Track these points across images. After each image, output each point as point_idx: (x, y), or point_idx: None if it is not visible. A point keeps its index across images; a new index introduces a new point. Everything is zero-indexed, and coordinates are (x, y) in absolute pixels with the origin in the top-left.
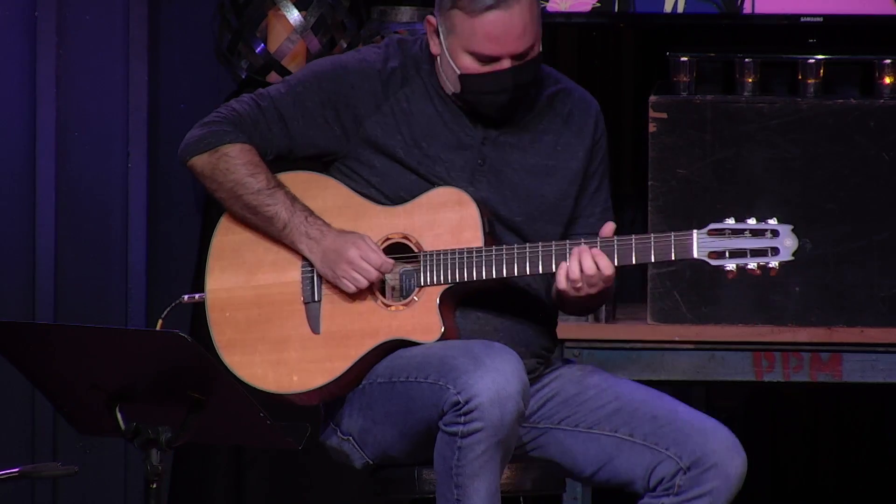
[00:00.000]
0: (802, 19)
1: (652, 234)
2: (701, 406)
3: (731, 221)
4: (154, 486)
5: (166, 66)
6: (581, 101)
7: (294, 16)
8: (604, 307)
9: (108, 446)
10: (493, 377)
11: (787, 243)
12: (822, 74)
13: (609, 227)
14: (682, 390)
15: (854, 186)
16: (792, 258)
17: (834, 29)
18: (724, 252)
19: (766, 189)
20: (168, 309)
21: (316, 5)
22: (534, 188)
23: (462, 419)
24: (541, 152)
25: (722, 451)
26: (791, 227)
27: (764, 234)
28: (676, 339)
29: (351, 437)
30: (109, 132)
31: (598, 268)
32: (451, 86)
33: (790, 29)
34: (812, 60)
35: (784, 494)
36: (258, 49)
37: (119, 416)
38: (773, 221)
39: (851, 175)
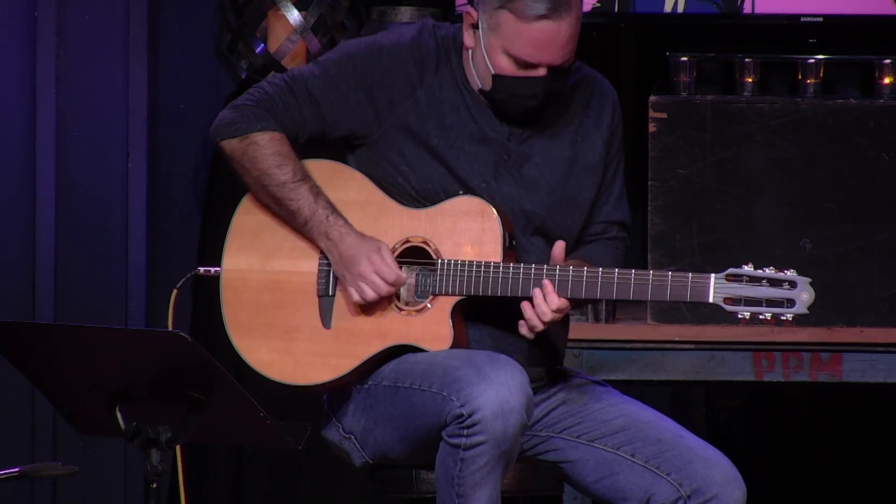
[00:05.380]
0: (802, 19)
1: (670, 273)
2: (701, 406)
3: (749, 268)
4: (154, 486)
5: (166, 66)
6: (600, 89)
7: (294, 16)
8: (603, 307)
9: (108, 446)
10: (497, 390)
11: (804, 297)
12: (822, 74)
13: (559, 248)
14: (682, 390)
15: (854, 186)
16: (807, 312)
17: (834, 29)
18: (741, 299)
19: (766, 189)
20: (183, 280)
21: (316, 5)
22: (555, 182)
23: (465, 432)
24: (561, 144)
25: (723, 482)
26: (809, 280)
27: (781, 285)
28: (676, 339)
29: (353, 436)
30: (109, 132)
31: (551, 310)
32: (479, 82)
33: (790, 29)
34: (812, 60)
35: (784, 494)
36: (258, 49)
37: (119, 416)
38: (791, 272)
39: (851, 175)
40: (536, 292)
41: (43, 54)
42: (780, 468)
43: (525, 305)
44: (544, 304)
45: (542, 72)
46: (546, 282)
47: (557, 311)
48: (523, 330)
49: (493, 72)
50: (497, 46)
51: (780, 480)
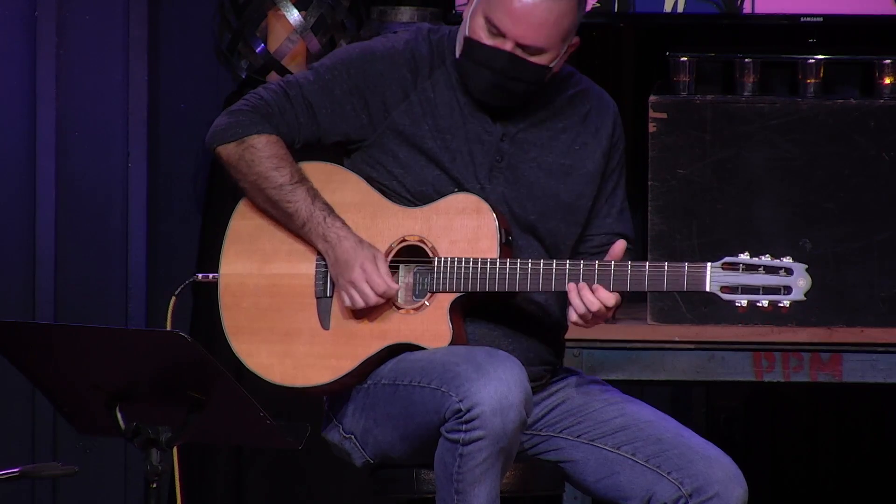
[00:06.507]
0: (802, 19)
1: (666, 264)
2: (701, 406)
3: (745, 256)
4: (154, 486)
5: (166, 66)
6: (599, 101)
7: (294, 16)
8: None
9: (108, 446)
10: (496, 386)
11: (801, 283)
12: (822, 74)
13: (620, 247)
14: (682, 390)
15: (854, 186)
16: (804, 298)
17: (834, 29)
18: (737, 287)
19: (766, 189)
20: (181, 287)
21: (316, 5)
22: (549, 187)
23: (464, 427)
24: (558, 150)
25: (725, 480)
26: (805, 266)
27: (778, 272)
28: (676, 339)
29: (353, 436)
30: (109, 132)
31: (600, 301)
32: (458, 48)
33: (790, 29)
34: (812, 60)
35: (784, 494)
36: (258, 49)
37: (119, 416)
38: (787, 259)
39: (851, 175)
40: (583, 286)
41: (43, 54)
42: (780, 468)
43: (571, 288)
44: (591, 296)
45: (508, 46)
46: (594, 283)
47: (605, 305)
48: (573, 317)
49: (466, 34)
50: (479, 9)
51: (780, 480)
